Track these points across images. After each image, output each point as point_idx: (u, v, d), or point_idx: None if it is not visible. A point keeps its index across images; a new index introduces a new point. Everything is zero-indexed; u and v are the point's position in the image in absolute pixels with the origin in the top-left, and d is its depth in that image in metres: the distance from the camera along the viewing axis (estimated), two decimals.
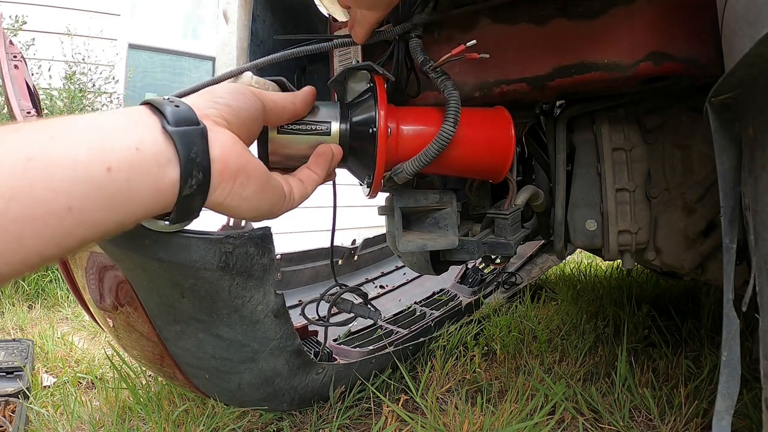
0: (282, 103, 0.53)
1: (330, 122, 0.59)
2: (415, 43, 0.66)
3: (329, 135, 0.59)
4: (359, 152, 0.62)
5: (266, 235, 0.69)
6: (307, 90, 0.57)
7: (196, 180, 0.38)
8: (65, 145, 0.32)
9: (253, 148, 0.59)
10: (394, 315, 1.57)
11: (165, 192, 0.37)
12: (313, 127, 0.58)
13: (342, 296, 0.99)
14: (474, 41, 0.60)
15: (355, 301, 1.03)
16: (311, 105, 0.58)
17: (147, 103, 0.40)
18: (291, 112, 0.55)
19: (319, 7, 1.01)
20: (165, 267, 0.66)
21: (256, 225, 0.64)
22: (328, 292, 1.00)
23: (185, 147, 0.37)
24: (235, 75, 0.63)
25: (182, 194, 0.38)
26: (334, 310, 0.99)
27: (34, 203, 0.30)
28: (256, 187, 0.44)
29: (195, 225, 0.60)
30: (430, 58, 0.65)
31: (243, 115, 0.45)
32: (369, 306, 1.01)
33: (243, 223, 1.76)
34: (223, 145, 0.41)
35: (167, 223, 0.42)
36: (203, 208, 0.43)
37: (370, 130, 0.60)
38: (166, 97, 0.41)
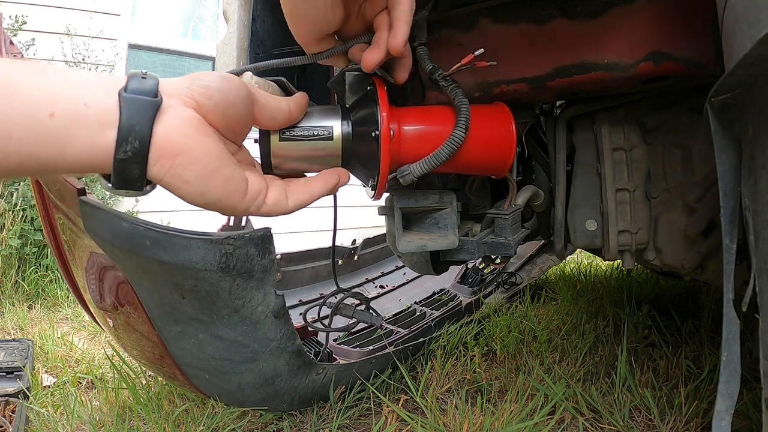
0: (276, 103, 0.53)
1: (332, 126, 0.59)
2: (422, 51, 0.66)
3: (332, 139, 0.59)
4: (362, 155, 0.62)
5: (266, 236, 0.69)
6: (301, 95, 0.57)
7: (131, 147, 0.39)
8: (34, 84, 0.37)
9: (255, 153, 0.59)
10: (394, 315, 1.57)
11: (100, 150, 0.39)
12: (315, 132, 0.58)
13: (343, 301, 0.99)
14: (482, 50, 0.60)
15: (356, 302, 1.03)
16: (305, 110, 0.57)
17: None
18: (285, 114, 0.54)
19: None
20: (165, 268, 0.67)
21: (256, 225, 0.64)
22: (329, 299, 1.00)
23: (128, 113, 0.39)
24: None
25: (117, 157, 0.39)
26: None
27: None
28: (201, 173, 0.43)
29: (195, 227, 0.60)
30: (436, 63, 0.66)
31: (217, 97, 0.45)
32: (371, 311, 1.01)
33: (243, 223, 1.76)
34: (172, 120, 0.42)
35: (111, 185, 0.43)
36: (153, 185, 0.44)
37: (373, 133, 0.60)
38: (145, 71, 0.42)
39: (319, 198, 0.56)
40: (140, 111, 0.40)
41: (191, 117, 0.43)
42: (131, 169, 0.40)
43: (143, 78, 0.41)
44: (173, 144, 0.41)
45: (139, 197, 3.53)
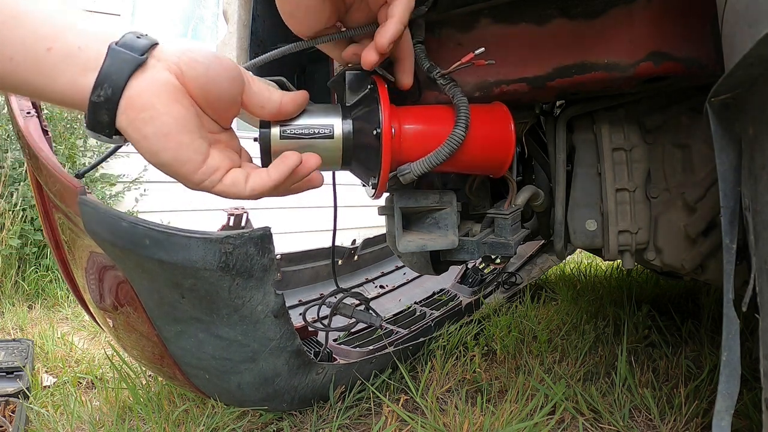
0: (267, 93, 0.53)
1: (332, 125, 0.59)
2: (418, 49, 0.66)
3: (332, 138, 0.59)
4: (363, 154, 0.62)
5: (266, 235, 0.70)
6: (300, 93, 0.57)
7: (104, 93, 0.43)
8: (44, 18, 0.42)
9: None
10: (394, 315, 1.57)
11: (80, 90, 0.43)
12: (316, 130, 0.58)
13: (343, 300, 0.99)
14: (482, 49, 0.60)
15: (356, 302, 1.03)
16: (300, 107, 0.57)
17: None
18: (275, 106, 0.54)
19: None
20: (165, 267, 0.67)
21: (256, 225, 0.63)
22: (329, 298, 1.00)
23: (110, 63, 0.43)
24: None
25: (91, 99, 0.43)
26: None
27: None
28: (158, 132, 0.45)
29: (195, 226, 0.60)
30: (435, 62, 0.66)
31: (200, 70, 0.47)
32: (370, 311, 1.01)
33: (243, 222, 1.76)
34: (148, 79, 0.44)
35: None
36: (122, 137, 0.46)
37: (375, 131, 0.60)
38: (145, 34, 0.46)
39: (279, 183, 0.53)
40: (121, 64, 0.43)
41: (168, 81, 0.45)
42: (101, 113, 0.43)
43: (138, 37, 0.45)
44: (141, 99, 0.44)
45: (138, 199, 3.47)
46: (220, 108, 0.50)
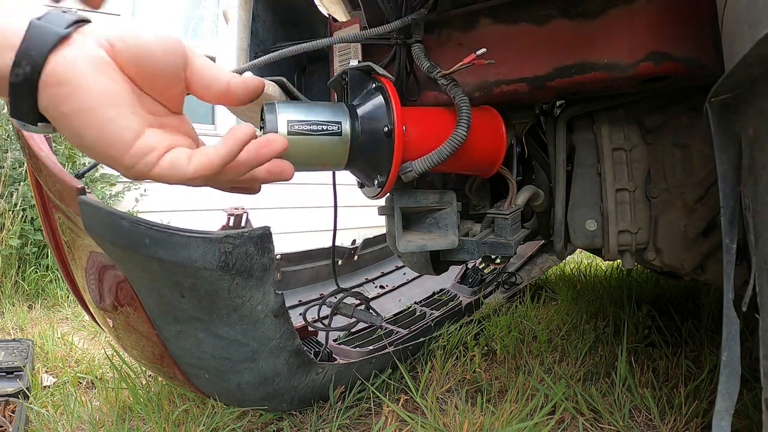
0: (213, 71, 0.47)
1: (340, 122, 0.58)
2: (418, 49, 0.66)
3: (341, 135, 0.58)
4: (370, 151, 0.61)
5: (266, 235, 0.70)
6: (254, 78, 0.50)
7: (23, 71, 0.39)
8: None
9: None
10: (394, 315, 1.57)
11: (1, 74, 0.39)
12: (324, 127, 0.57)
13: (343, 300, 0.99)
14: (484, 50, 0.60)
15: (356, 302, 1.03)
16: (252, 95, 0.50)
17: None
18: (222, 86, 0.47)
19: (319, 7, 1.01)
20: (165, 266, 0.67)
21: (255, 224, 0.63)
22: (329, 298, 1.00)
23: (29, 38, 0.39)
24: None
25: (9, 80, 0.40)
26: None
27: None
28: (81, 107, 0.40)
29: (195, 226, 0.60)
30: (435, 62, 0.66)
31: (132, 42, 0.42)
32: (371, 311, 1.01)
33: (243, 223, 1.76)
34: (71, 52, 0.40)
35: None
36: (48, 124, 0.42)
37: (385, 128, 0.60)
38: (74, 10, 0.43)
39: (229, 159, 0.45)
40: (41, 38, 0.39)
41: (95, 54, 0.41)
42: (22, 95, 0.40)
43: (64, 12, 0.41)
44: (59, 73, 0.40)
45: (138, 199, 3.45)
46: (160, 85, 0.45)
